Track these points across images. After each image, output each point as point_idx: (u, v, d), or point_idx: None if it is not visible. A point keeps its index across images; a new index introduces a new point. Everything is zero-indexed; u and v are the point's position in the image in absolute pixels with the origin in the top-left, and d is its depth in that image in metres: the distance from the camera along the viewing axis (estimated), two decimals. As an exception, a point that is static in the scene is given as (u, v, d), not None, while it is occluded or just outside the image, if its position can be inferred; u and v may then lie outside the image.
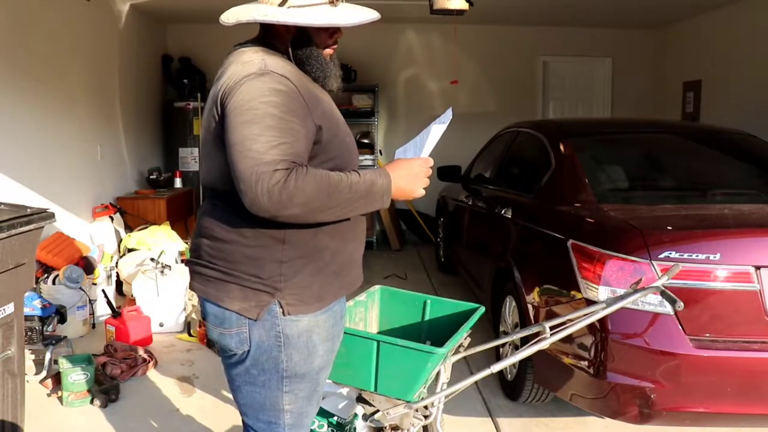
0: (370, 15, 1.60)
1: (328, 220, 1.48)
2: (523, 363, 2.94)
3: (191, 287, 1.68)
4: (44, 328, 3.54)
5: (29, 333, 3.48)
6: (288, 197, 1.36)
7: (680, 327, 2.40)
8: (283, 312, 1.55)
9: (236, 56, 1.57)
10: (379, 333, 2.34)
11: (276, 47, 1.60)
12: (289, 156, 1.39)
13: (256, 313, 1.55)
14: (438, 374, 2.16)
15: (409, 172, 1.57)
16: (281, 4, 1.52)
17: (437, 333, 2.27)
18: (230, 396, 1.99)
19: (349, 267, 1.68)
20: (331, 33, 1.61)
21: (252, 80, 1.45)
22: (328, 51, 1.64)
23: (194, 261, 1.65)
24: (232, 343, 1.60)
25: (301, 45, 1.59)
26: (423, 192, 1.61)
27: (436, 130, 1.64)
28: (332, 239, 1.59)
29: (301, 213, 1.40)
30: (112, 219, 5.42)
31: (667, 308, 2.35)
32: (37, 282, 4.04)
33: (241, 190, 1.38)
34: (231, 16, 1.60)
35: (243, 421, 1.73)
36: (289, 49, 1.59)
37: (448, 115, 1.70)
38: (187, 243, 5.01)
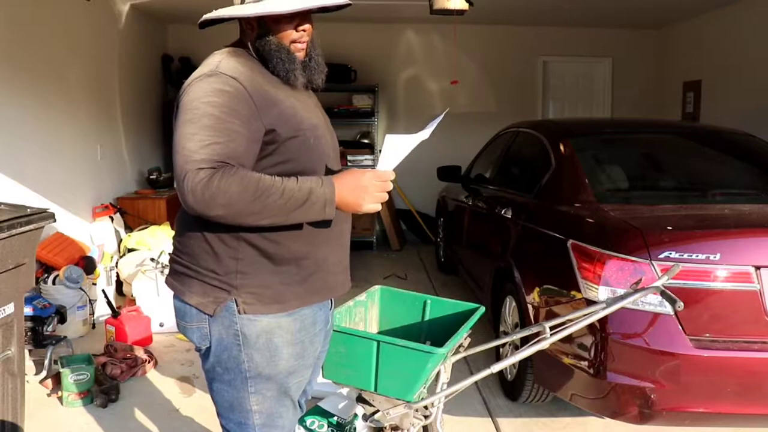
0: (320, 0, 1.55)
1: (262, 225, 1.45)
2: (523, 363, 2.94)
3: (165, 281, 1.71)
4: (44, 328, 3.54)
5: (29, 333, 3.48)
6: (210, 197, 1.36)
7: (680, 327, 2.40)
8: (239, 310, 1.55)
9: (206, 59, 1.59)
10: (379, 333, 2.34)
11: (245, 46, 1.61)
12: (219, 156, 1.40)
13: (212, 308, 1.56)
14: (438, 374, 2.16)
15: (356, 184, 1.48)
16: (242, 2, 1.55)
17: (437, 333, 2.27)
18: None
19: (322, 273, 1.63)
20: (295, 25, 1.57)
21: (200, 81, 1.48)
22: (298, 46, 1.59)
23: (170, 256, 1.70)
24: (194, 338, 1.63)
25: (264, 40, 1.57)
26: (376, 207, 1.51)
27: (399, 140, 1.54)
28: (297, 242, 1.56)
29: (225, 214, 1.40)
30: (112, 219, 5.42)
31: (667, 308, 2.35)
32: (37, 282, 4.04)
33: (176, 186, 1.42)
34: (198, 22, 1.65)
35: (219, 422, 1.73)
36: (253, 45, 1.59)
37: (435, 121, 1.62)
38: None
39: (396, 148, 1.54)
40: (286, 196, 1.42)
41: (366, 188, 1.49)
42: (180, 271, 1.62)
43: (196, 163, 1.38)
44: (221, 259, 1.54)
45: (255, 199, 1.39)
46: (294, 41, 1.59)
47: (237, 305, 1.54)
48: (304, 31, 1.59)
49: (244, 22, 1.60)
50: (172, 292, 1.68)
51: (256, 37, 1.58)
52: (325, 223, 1.57)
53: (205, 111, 1.43)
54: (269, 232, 1.52)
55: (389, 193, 1.56)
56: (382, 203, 1.53)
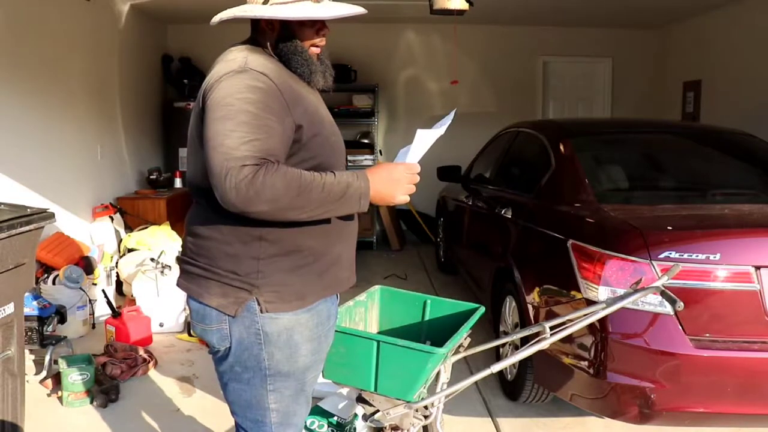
0: (349, 10, 1.59)
1: (301, 219, 1.47)
2: (523, 363, 2.94)
3: (177, 284, 1.70)
4: (44, 328, 3.54)
5: (29, 333, 3.48)
6: (255, 193, 1.36)
7: (680, 327, 2.40)
8: (261, 309, 1.55)
9: (223, 56, 1.60)
10: (379, 333, 2.34)
11: (263, 45, 1.62)
12: (260, 152, 1.40)
13: (234, 309, 1.56)
14: (438, 374, 2.16)
15: (389, 176, 1.54)
16: (264, 2, 1.54)
17: (437, 333, 2.27)
18: (230, 396, 1.99)
19: (336, 268, 1.66)
20: (316, 30, 1.61)
21: (231, 77, 1.47)
22: (315, 50, 1.63)
23: (181, 258, 1.68)
24: (213, 340, 1.62)
25: (286, 41, 1.59)
26: (406, 198, 1.57)
27: (427, 135, 1.60)
28: (314, 239, 1.58)
29: (269, 210, 1.40)
30: (112, 219, 5.42)
31: (667, 308, 2.34)
32: (37, 282, 4.04)
33: (213, 184, 1.40)
34: (217, 17, 1.63)
35: (234, 420, 1.74)
36: (273, 46, 1.60)
37: (448, 118, 1.68)
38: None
39: (424, 141, 1.60)
40: (326, 190, 1.44)
41: (399, 181, 1.55)
42: (196, 273, 1.61)
43: (239, 160, 1.37)
44: (241, 260, 1.54)
45: (299, 194, 1.40)
46: (313, 45, 1.62)
47: (259, 304, 1.55)
48: (324, 36, 1.63)
49: (264, 22, 1.60)
50: (175, 293, 1.68)
51: (277, 38, 1.60)
52: (345, 220, 1.62)
53: (241, 107, 1.42)
54: (289, 229, 1.53)
55: None
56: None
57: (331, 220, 1.57)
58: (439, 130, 1.63)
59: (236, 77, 1.47)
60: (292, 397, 1.66)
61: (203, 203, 1.59)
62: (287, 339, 1.58)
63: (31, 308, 3.52)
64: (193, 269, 1.62)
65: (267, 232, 1.53)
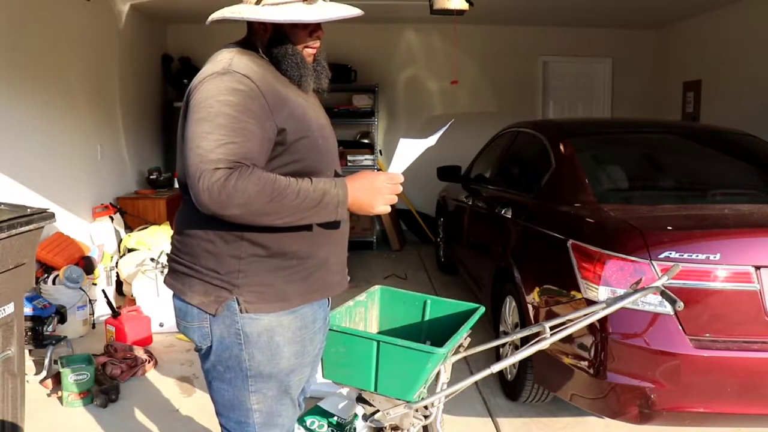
0: (342, 12, 1.58)
1: (276, 225, 1.45)
2: (523, 363, 2.94)
3: (164, 281, 1.71)
4: (44, 328, 3.54)
5: (29, 333, 3.48)
6: (227, 197, 1.36)
7: (680, 327, 2.40)
8: (241, 309, 1.55)
9: (213, 56, 1.59)
10: (379, 333, 2.34)
11: (255, 46, 1.61)
12: (235, 156, 1.39)
13: (214, 308, 1.56)
14: (438, 374, 2.16)
15: (370, 185, 1.51)
16: (257, 3, 1.54)
17: (437, 333, 2.27)
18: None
19: (322, 272, 1.64)
20: (309, 31, 1.60)
21: (213, 79, 1.47)
22: (309, 51, 1.62)
23: (168, 255, 1.70)
24: (195, 337, 1.63)
25: (278, 43, 1.58)
26: (386, 209, 1.54)
27: (412, 145, 1.58)
28: (299, 242, 1.57)
29: (241, 214, 1.40)
30: (112, 219, 5.42)
31: (667, 308, 2.35)
32: (37, 282, 4.04)
33: (189, 185, 1.41)
34: (210, 18, 1.63)
35: (219, 422, 1.73)
36: (265, 48, 1.59)
37: (442, 129, 1.66)
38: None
39: (408, 151, 1.58)
40: (301, 196, 1.43)
41: (380, 190, 1.52)
42: (180, 271, 1.62)
43: (213, 162, 1.37)
44: (223, 259, 1.54)
45: (271, 199, 1.40)
46: (307, 47, 1.61)
47: (239, 304, 1.55)
48: (318, 38, 1.62)
49: (257, 23, 1.59)
50: (171, 292, 1.67)
51: (270, 40, 1.59)
52: (331, 225, 1.59)
53: (220, 110, 1.42)
54: (272, 232, 1.52)
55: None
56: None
57: (321, 224, 1.56)
58: (428, 140, 1.61)
59: (218, 79, 1.46)
60: (275, 399, 1.64)
61: (188, 201, 1.58)
62: (268, 340, 1.57)
63: (31, 308, 3.53)
64: (177, 267, 1.62)
65: (250, 233, 1.52)
